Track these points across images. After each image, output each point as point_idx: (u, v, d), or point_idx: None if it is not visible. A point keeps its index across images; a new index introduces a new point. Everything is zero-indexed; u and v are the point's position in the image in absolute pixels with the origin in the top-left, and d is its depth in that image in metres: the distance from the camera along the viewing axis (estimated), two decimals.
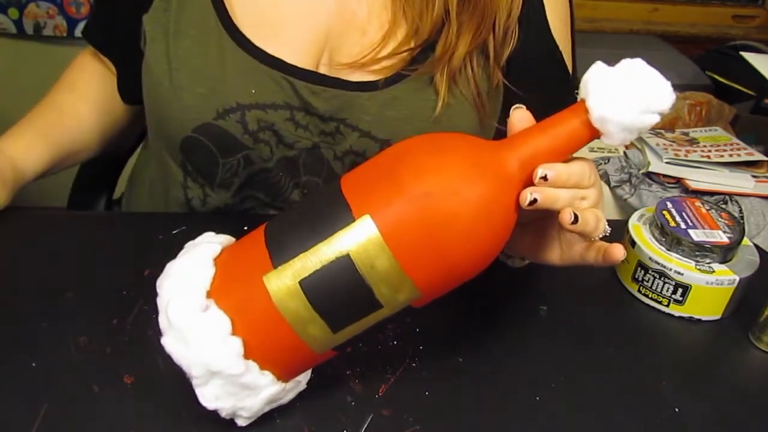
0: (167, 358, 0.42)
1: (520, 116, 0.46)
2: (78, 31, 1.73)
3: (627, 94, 0.41)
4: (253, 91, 0.62)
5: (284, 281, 0.41)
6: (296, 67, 0.62)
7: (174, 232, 0.63)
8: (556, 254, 0.52)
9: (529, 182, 0.44)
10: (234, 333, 0.41)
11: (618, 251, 0.46)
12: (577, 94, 0.44)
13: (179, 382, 0.43)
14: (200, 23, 0.62)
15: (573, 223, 0.43)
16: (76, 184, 0.90)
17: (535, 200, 0.43)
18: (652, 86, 0.41)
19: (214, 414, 0.44)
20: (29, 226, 0.65)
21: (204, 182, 0.69)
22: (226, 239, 0.46)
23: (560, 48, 0.67)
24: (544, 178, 0.43)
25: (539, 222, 0.52)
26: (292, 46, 0.62)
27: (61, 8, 1.68)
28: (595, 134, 0.43)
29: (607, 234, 0.47)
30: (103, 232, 0.66)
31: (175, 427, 0.45)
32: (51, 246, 0.62)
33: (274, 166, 0.66)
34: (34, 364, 0.49)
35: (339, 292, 0.41)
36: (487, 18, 0.61)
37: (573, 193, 0.45)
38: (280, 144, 0.65)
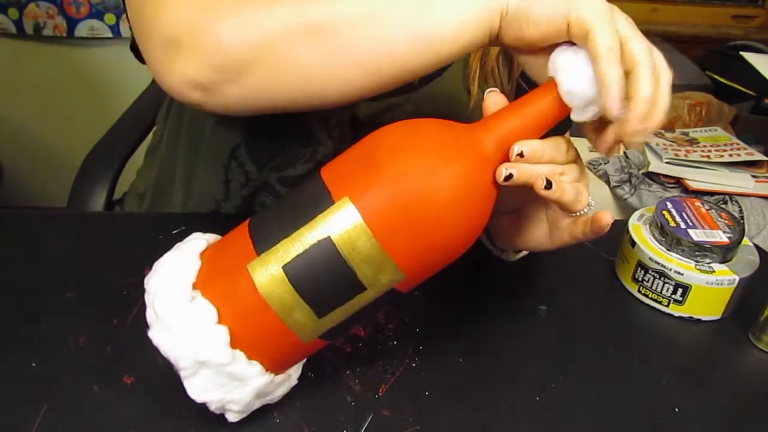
0: (166, 358, 0.42)
1: (494, 99, 0.46)
2: (78, 31, 1.73)
3: (592, 68, 0.42)
4: None
5: (268, 268, 0.41)
6: None
7: (174, 232, 0.63)
8: (543, 235, 0.51)
9: (506, 161, 0.44)
10: (220, 322, 0.41)
11: (605, 217, 0.46)
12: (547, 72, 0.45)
13: (179, 382, 0.43)
14: None
15: (546, 188, 0.44)
16: (76, 184, 0.90)
17: (510, 175, 0.43)
18: None
19: (215, 414, 0.44)
20: (29, 226, 0.65)
21: (252, 168, 0.67)
22: (212, 237, 0.47)
23: None
24: (520, 154, 0.43)
25: (523, 208, 0.52)
26: None
27: (61, 8, 1.68)
28: (564, 110, 0.44)
29: (592, 206, 0.47)
30: (103, 232, 0.66)
31: (175, 427, 0.45)
32: (51, 246, 0.62)
33: (323, 164, 0.66)
34: (34, 364, 0.49)
35: (322, 276, 0.41)
36: None
37: (550, 168, 0.45)
38: (342, 141, 0.65)
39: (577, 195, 0.45)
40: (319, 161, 0.66)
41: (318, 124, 0.62)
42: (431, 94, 0.64)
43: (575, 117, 0.44)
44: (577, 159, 0.47)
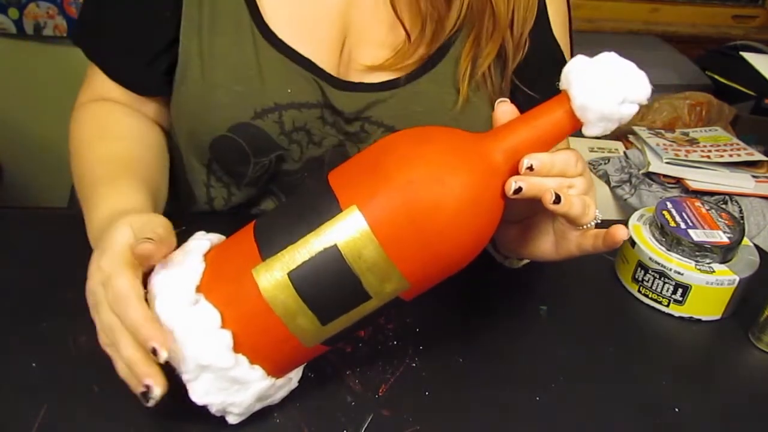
0: (168, 361, 0.42)
1: (504, 109, 0.46)
2: None
3: (606, 84, 0.42)
4: (289, 91, 0.62)
5: (273, 273, 0.41)
6: (323, 70, 0.63)
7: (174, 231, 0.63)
8: (549, 246, 0.51)
9: (515, 173, 0.44)
10: (224, 327, 0.41)
11: (620, 232, 0.46)
12: (558, 85, 0.44)
13: (179, 382, 0.43)
14: (234, 20, 0.61)
15: (555, 202, 0.44)
16: None
17: (519, 189, 0.43)
18: (629, 77, 0.42)
19: (215, 415, 0.44)
20: (29, 226, 0.65)
21: (229, 181, 0.68)
22: (216, 237, 0.47)
23: (561, 47, 0.67)
24: (530, 168, 0.43)
25: (530, 219, 0.52)
26: (315, 45, 0.62)
27: (61, 8, 1.68)
28: (576, 124, 0.44)
29: (599, 221, 0.47)
30: None
31: (175, 427, 0.45)
32: (51, 246, 0.62)
33: (302, 166, 0.66)
34: (34, 364, 0.49)
35: (327, 283, 0.41)
36: (505, 24, 0.62)
37: (559, 181, 0.45)
38: (310, 144, 0.65)
39: (585, 208, 0.45)
40: (287, 166, 0.66)
41: (271, 131, 0.62)
42: (417, 91, 0.64)
43: (587, 131, 0.44)
44: (585, 171, 0.47)
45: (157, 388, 0.40)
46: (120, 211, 0.49)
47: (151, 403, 0.41)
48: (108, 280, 0.41)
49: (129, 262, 0.42)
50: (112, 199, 0.52)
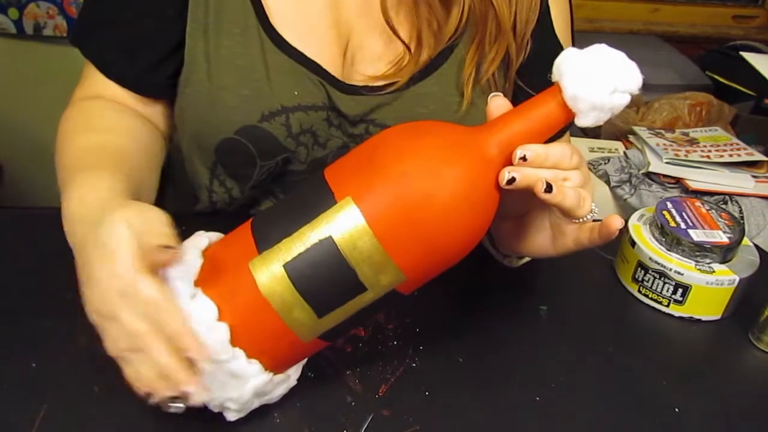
0: None
1: (497, 103, 0.46)
2: None
3: (597, 74, 0.42)
4: (296, 93, 0.62)
5: (269, 266, 0.41)
6: (328, 72, 0.62)
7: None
8: (546, 242, 0.51)
9: (509, 164, 0.44)
10: (221, 320, 0.41)
11: (614, 222, 0.46)
12: (550, 77, 0.45)
13: None
14: (241, 22, 0.61)
15: (547, 191, 0.44)
16: None
17: (513, 179, 0.43)
18: (620, 67, 0.42)
19: (214, 414, 0.44)
20: (29, 226, 0.65)
21: (233, 185, 0.68)
22: (215, 236, 0.47)
23: (563, 48, 0.67)
24: (523, 158, 0.43)
25: (526, 215, 0.52)
26: (320, 48, 0.62)
27: (61, 8, 1.68)
28: (569, 115, 0.44)
29: (595, 214, 0.47)
30: None
31: (174, 427, 0.45)
32: (51, 246, 0.62)
33: (307, 168, 0.66)
34: (34, 364, 0.49)
35: (323, 275, 0.41)
36: (508, 27, 0.62)
37: (553, 173, 0.45)
38: (316, 145, 0.65)
39: (580, 201, 0.45)
40: (292, 167, 0.66)
41: (279, 133, 0.62)
42: (421, 94, 0.64)
43: (579, 122, 0.44)
44: (581, 165, 0.47)
45: (199, 393, 0.39)
46: (89, 200, 0.48)
47: (175, 410, 0.41)
48: (130, 288, 0.40)
49: (144, 265, 0.40)
50: (81, 187, 0.50)
